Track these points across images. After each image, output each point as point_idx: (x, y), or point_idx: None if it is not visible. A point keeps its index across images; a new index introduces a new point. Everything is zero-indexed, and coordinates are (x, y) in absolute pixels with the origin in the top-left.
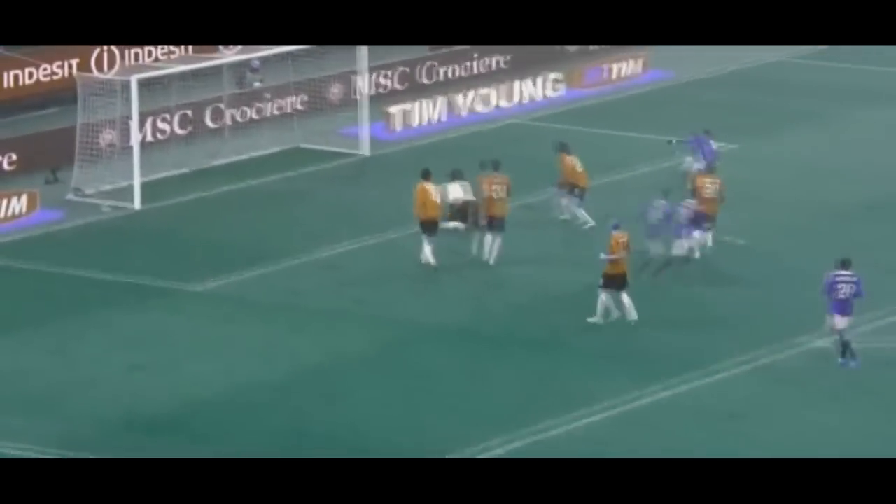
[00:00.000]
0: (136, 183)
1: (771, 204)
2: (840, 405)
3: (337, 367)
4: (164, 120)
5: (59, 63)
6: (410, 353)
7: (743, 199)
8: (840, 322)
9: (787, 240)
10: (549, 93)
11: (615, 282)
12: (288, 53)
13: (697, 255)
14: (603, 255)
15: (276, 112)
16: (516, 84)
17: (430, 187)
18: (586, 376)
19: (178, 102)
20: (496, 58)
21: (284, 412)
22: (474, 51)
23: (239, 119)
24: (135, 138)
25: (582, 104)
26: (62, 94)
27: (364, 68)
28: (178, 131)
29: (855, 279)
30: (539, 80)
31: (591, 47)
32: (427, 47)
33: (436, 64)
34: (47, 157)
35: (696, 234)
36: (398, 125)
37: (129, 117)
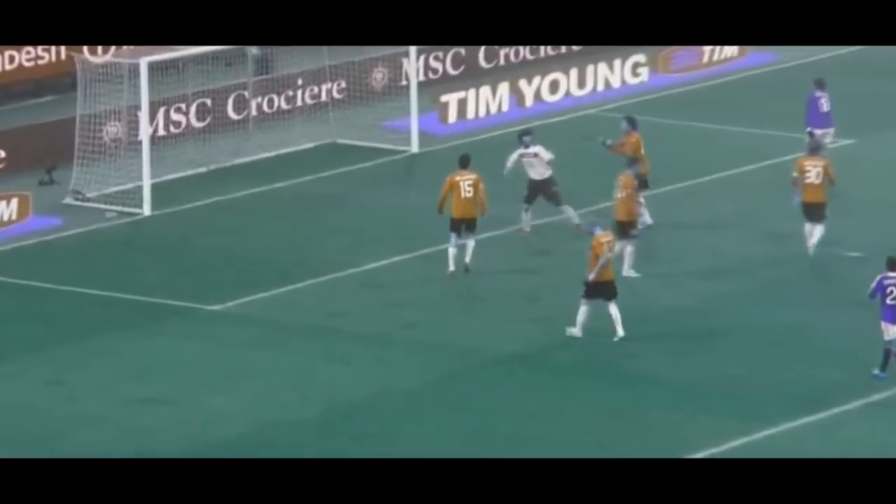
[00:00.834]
0: (146, 184)
1: (893, 209)
2: None
3: (381, 402)
4: (178, 110)
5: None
6: (468, 387)
7: (858, 204)
8: (891, 331)
9: None
10: (630, 79)
11: (601, 290)
12: None
13: (811, 252)
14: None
15: (308, 101)
16: (590, 68)
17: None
18: (673, 413)
19: (195, 90)
20: None
21: (319, 456)
22: None
23: (266, 109)
24: (144, 132)
25: (668, 92)
26: (59, 80)
27: (413, 49)
28: (195, 124)
29: None
30: (617, 64)
31: None
32: None
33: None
34: (41, 154)
35: (807, 227)
36: (452, 117)
37: (137, 107)
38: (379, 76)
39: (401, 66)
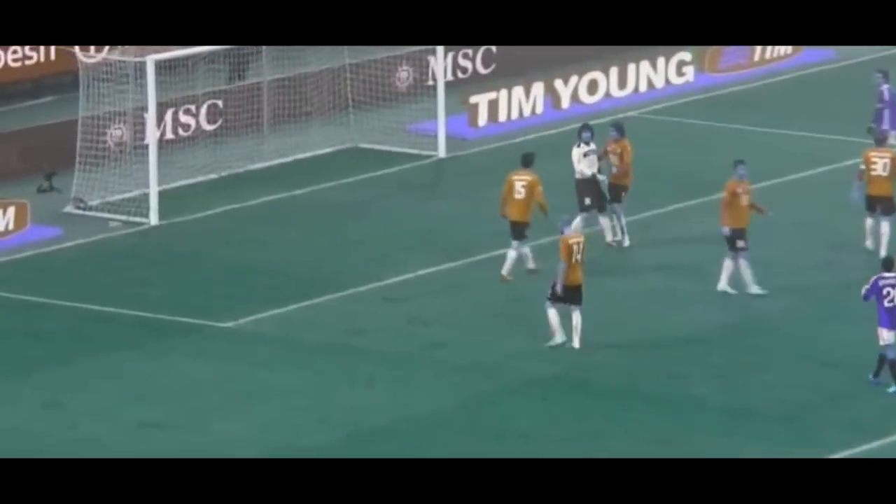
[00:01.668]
0: (153, 192)
1: None
2: None
3: (405, 428)
4: (187, 112)
5: None
6: (500, 411)
7: None
8: (886, 336)
9: None
10: (675, 78)
11: (567, 295)
12: None
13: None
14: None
15: (328, 102)
16: (631, 67)
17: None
18: (722, 438)
19: (206, 90)
20: None
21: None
22: None
23: (282, 111)
24: (151, 135)
25: (717, 93)
26: (60, 79)
27: (440, 46)
28: (206, 126)
29: None
30: (661, 62)
31: None
32: None
33: None
34: (40, 160)
35: (868, 222)
36: (482, 119)
37: (143, 108)
38: (403, 75)
39: (427, 65)
